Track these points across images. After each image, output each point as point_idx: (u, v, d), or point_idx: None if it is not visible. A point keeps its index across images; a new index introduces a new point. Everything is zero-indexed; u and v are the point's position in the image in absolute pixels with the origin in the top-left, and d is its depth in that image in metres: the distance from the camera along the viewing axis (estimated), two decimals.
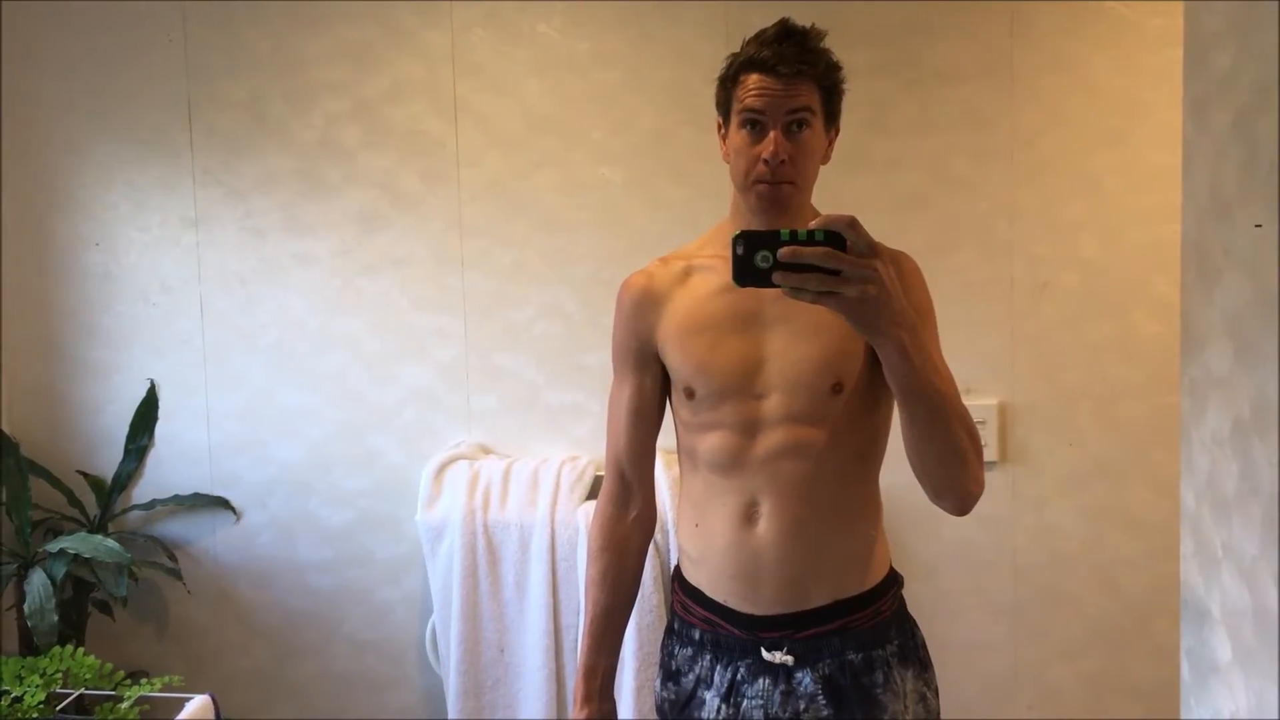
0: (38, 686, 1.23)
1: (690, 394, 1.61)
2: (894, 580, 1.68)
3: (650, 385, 1.70)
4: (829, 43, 1.56)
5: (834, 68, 1.57)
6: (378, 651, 2.87)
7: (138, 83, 2.82)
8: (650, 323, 1.67)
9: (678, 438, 1.70)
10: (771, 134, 1.52)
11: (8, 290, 2.88)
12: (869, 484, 1.64)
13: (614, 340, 1.73)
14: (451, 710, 2.67)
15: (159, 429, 2.88)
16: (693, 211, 2.69)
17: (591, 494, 2.64)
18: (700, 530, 1.64)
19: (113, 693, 1.28)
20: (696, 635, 1.66)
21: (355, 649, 2.88)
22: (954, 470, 1.45)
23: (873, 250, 1.24)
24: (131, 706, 1.27)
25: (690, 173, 2.70)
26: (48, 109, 2.85)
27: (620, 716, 1.82)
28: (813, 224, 1.22)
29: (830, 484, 1.57)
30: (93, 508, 2.86)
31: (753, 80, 1.53)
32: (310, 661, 2.90)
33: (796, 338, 1.56)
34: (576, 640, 2.57)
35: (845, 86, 1.59)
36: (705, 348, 1.59)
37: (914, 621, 1.69)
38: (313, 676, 2.90)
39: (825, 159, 1.61)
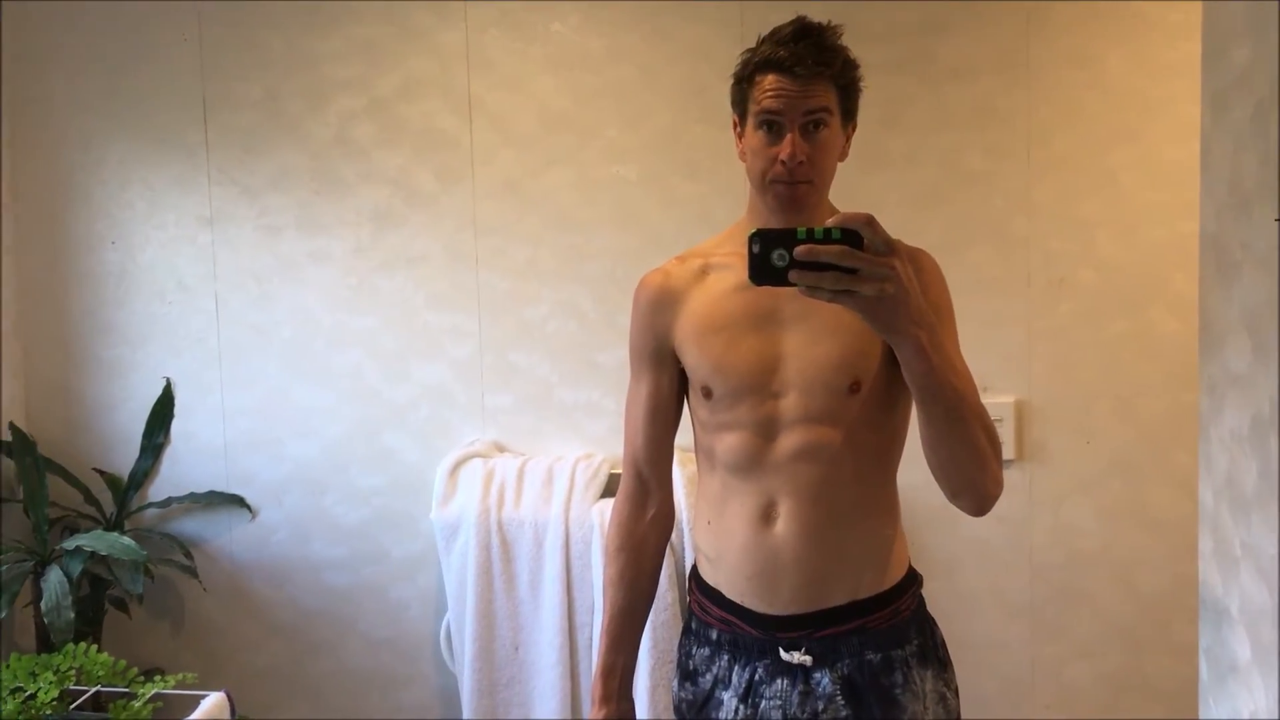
0: (51, 683, 1.23)
1: (707, 393, 1.60)
2: (913, 580, 1.67)
3: (667, 384, 1.70)
4: (844, 40, 1.55)
5: (851, 65, 1.55)
6: (393, 649, 2.88)
7: (153, 82, 2.82)
8: (667, 321, 1.66)
9: (695, 437, 1.69)
10: (789, 135, 1.51)
11: (25, 288, 2.90)
12: (887, 483, 1.63)
13: (631, 339, 1.72)
14: (466, 708, 2.67)
15: (175, 427, 2.89)
16: (707, 209, 2.69)
17: (606, 492, 2.64)
18: (716, 529, 1.63)
19: (128, 690, 1.29)
20: (714, 635, 1.65)
21: (370, 646, 2.88)
22: (972, 470, 1.44)
23: (890, 248, 1.23)
24: (146, 704, 1.27)
25: (705, 170, 2.69)
26: (62, 108, 2.86)
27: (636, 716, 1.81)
28: (829, 222, 1.22)
29: (848, 484, 1.56)
30: (109, 505, 2.87)
31: (769, 80, 1.52)
32: (325, 659, 2.90)
33: (814, 336, 1.55)
34: (591, 638, 2.57)
35: (862, 84, 1.58)
36: (722, 346, 1.58)
37: (933, 621, 1.68)
38: (328, 674, 2.90)
39: (843, 156, 1.60)
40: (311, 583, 2.89)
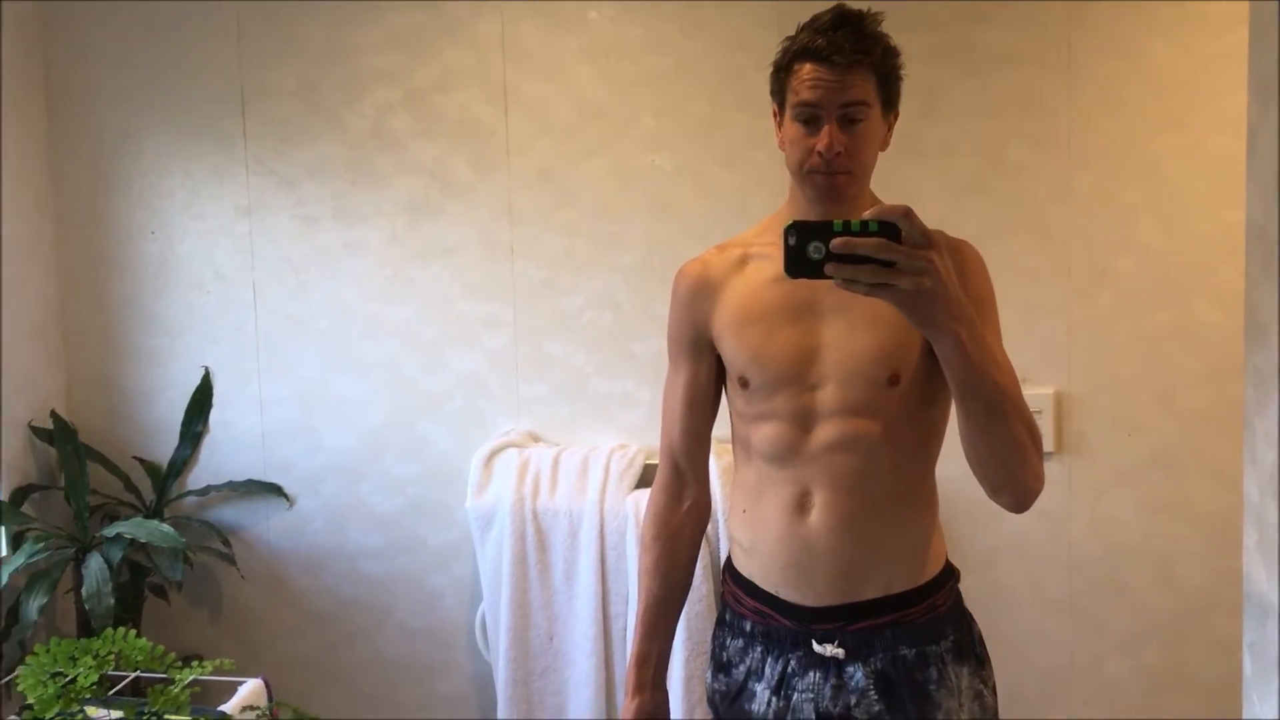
0: (90, 668, 1.25)
1: (744, 384, 1.59)
2: (950, 574, 1.65)
3: (705, 374, 1.69)
4: (884, 28, 1.53)
5: (891, 53, 1.53)
6: (428, 638, 2.89)
7: (191, 73, 2.84)
8: (705, 311, 1.65)
9: (732, 427, 1.68)
10: (826, 127, 1.49)
11: (65, 278, 2.93)
12: (925, 477, 1.61)
13: (669, 328, 1.71)
14: (501, 697, 2.68)
15: (213, 415, 2.91)
16: (744, 199, 2.67)
17: (641, 483, 2.63)
18: (752, 519, 1.62)
19: (166, 676, 1.30)
20: (747, 627, 1.64)
21: (406, 635, 2.90)
22: (1012, 467, 1.42)
23: (928, 241, 1.21)
24: (184, 689, 1.28)
25: (741, 159, 2.68)
26: (102, 99, 2.88)
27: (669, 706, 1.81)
28: (866, 214, 1.20)
29: (884, 476, 1.55)
30: (149, 493, 2.90)
31: (807, 70, 1.49)
32: (361, 647, 2.92)
33: (853, 328, 1.53)
34: (626, 628, 2.57)
35: (904, 71, 1.56)
36: (760, 337, 1.57)
37: (971, 617, 1.66)
38: (364, 662, 2.92)
39: (884, 145, 1.57)
40: (348, 571, 2.90)
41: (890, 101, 1.55)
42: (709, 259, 1.67)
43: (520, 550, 2.63)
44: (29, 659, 1.28)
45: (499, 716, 2.69)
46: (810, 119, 1.50)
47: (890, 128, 1.57)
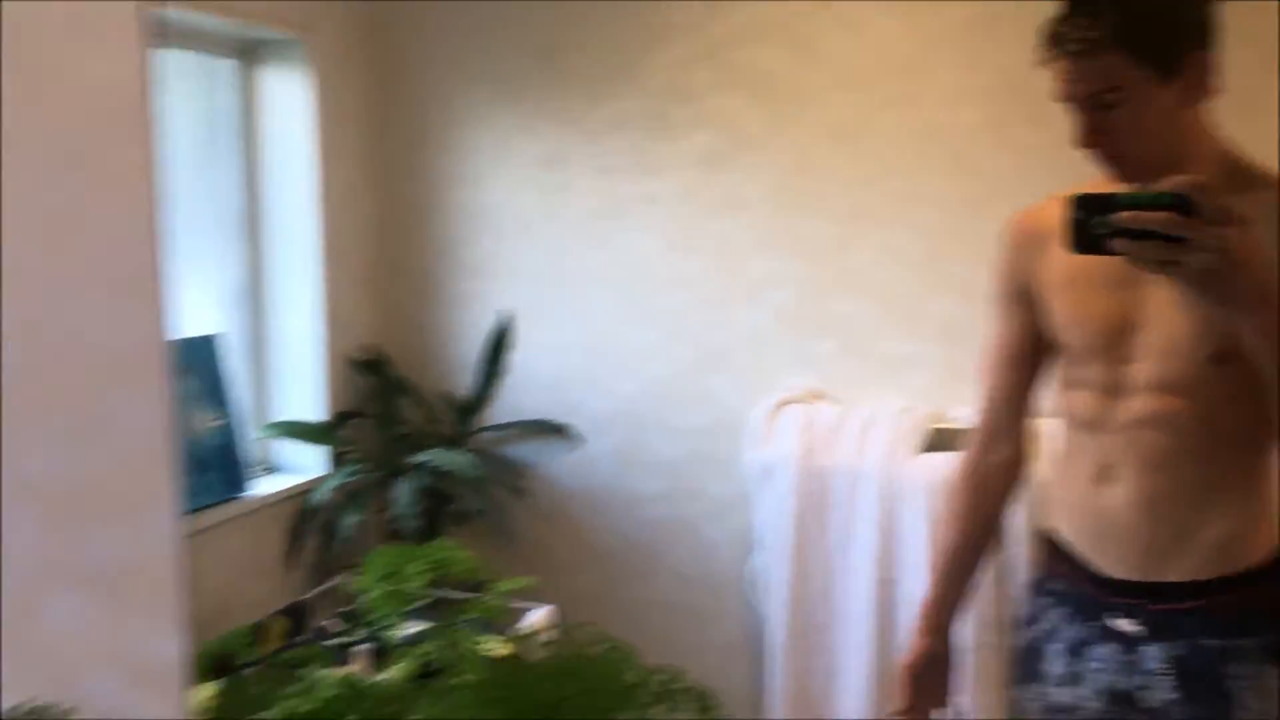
0: (420, 572, 1.35)
1: (1062, 348, 1.56)
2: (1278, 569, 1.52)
3: (1026, 328, 1.64)
4: None
5: (1141, 15, 1.35)
6: (704, 585, 2.95)
7: (505, 29, 2.96)
8: (1029, 264, 1.60)
9: (1058, 390, 1.64)
10: (1081, 117, 1.41)
11: (385, 224, 3.14)
12: (1250, 463, 1.49)
13: (996, 277, 1.68)
14: (775, 649, 2.70)
15: (512, 357, 3.05)
16: (1051, 157, 2.48)
17: (927, 448, 2.57)
18: (1065, 483, 1.60)
19: (470, 595, 1.40)
20: (1056, 587, 1.63)
21: (683, 581, 2.97)
22: None
23: (1226, 217, 1.11)
24: (498, 597, 1.38)
25: (1051, 115, 2.50)
26: (426, 55, 3.05)
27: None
28: (1158, 186, 1.12)
29: (1196, 459, 1.46)
30: (450, 426, 3.08)
31: (1055, 61, 1.42)
32: (642, 587, 3.01)
33: (1176, 299, 1.42)
34: (904, 594, 2.53)
35: (1174, 21, 1.38)
36: (1078, 303, 1.52)
37: None
38: (644, 602, 3.01)
39: (1189, 101, 1.40)
40: (631, 513, 2.99)
41: (1164, 65, 1.36)
42: (1040, 209, 1.61)
43: (800, 507, 2.63)
44: (368, 560, 1.39)
45: (773, 668, 2.72)
46: (1071, 105, 1.42)
47: (1191, 84, 1.38)
